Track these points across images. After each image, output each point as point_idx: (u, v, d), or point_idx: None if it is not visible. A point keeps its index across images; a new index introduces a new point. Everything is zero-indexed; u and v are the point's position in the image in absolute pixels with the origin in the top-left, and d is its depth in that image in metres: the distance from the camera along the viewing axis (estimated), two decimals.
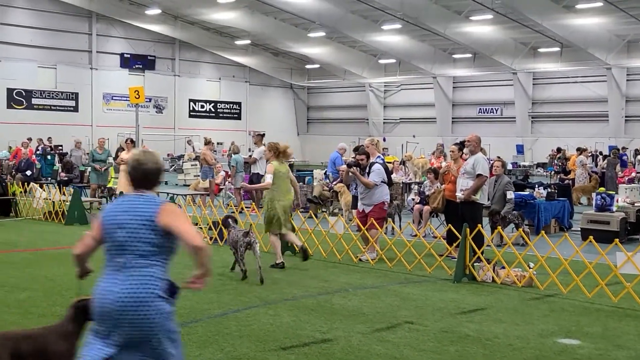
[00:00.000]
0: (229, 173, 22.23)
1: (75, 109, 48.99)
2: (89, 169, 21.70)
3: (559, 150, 37.24)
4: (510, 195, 13.92)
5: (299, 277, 10.65)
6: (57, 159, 31.39)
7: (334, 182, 18.26)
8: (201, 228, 14.08)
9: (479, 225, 10.89)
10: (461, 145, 12.63)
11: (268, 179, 11.42)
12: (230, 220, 11.14)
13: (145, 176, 4.54)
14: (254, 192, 19.11)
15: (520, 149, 48.02)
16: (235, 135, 50.74)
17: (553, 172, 33.53)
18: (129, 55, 50.83)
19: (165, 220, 4.36)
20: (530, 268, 10.21)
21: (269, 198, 11.51)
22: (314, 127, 62.12)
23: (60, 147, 37.36)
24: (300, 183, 21.33)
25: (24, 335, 4.90)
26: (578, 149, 26.38)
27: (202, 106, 55.93)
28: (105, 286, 4.38)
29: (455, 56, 49.60)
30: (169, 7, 47.41)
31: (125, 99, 44.81)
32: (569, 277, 9.66)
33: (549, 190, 17.26)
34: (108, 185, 21.04)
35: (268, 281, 10.14)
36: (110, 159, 21.70)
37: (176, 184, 30.57)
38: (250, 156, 22.30)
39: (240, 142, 41.22)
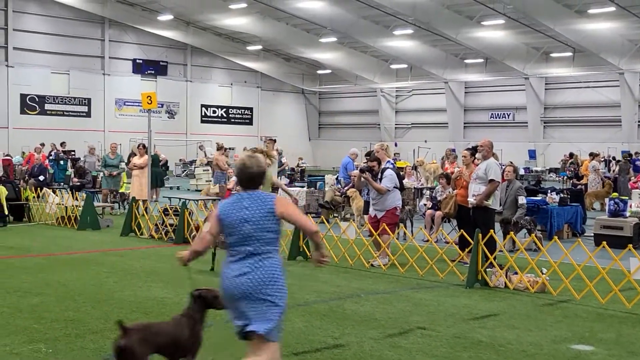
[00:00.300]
0: None
1: (88, 114, 49.18)
2: (101, 174, 21.78)
3: (571, 155, 37.06)
4: (522, 200, 13.87)
5: (311, 282, 10.64)
6: (69, 164, 31.52)
7: (346, 187, 18.25)
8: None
9: (491, 230, 10.86)
10: (473, 150, 12.61)
11: None
12: None
13: (252, 178, 5.24)
14: None
15: (532, 154, 47.88)
16: (247, 141, 50.67)
17: (565, 177, 33.41)
18: (141, 61, 51.04)
19: (282, 210, 5.13)
20: (543, 274, 10.16)
21: None
22: (326, 133, 62.13)
23: (72, 153, 37.50)
24: (312, 188, 21.37)
25: (159, 327, 5.59)
26: (591, 154, 26.23)
27: (214, 111, 56.06)
28: (235, 271, 5.07)
29: (467, 61, 49.51)
30: (181, 13, 47.60)
31: (137, 104, 45.10)
32: (582, 282, 9.61)
33: (562, 195, 17.19)
34: (120, 191, 21.11)
35: None
36: (123, 164, 21.78)
37: (188, 189, 30.66)
38: None
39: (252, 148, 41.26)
